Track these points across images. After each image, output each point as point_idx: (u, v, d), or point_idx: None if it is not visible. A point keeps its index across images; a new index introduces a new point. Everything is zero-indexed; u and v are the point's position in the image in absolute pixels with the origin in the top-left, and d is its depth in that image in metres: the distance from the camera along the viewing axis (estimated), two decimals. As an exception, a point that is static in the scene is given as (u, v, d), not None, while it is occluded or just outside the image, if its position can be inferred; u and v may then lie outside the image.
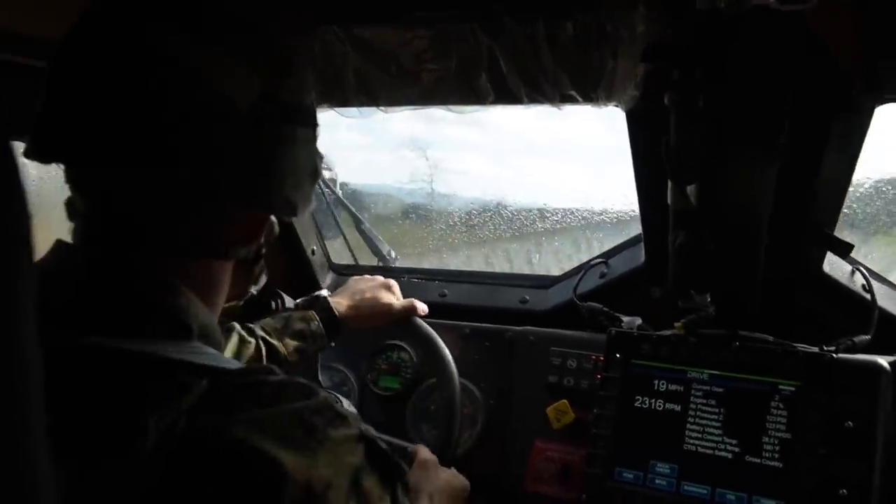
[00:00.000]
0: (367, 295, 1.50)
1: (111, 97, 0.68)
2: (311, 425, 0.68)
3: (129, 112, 0.68)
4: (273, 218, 0.87)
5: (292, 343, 1.35)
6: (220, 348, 0.78)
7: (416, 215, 2.41)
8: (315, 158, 0.84)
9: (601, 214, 1.99)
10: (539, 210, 2.14)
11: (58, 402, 0.61)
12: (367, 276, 1.58)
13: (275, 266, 1.86)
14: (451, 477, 1.30)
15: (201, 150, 0.70)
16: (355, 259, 2.10)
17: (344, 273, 2.03)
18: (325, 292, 1.47)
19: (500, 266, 2.28)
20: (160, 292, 0.73)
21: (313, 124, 0.82)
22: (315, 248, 1.94)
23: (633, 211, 1.73)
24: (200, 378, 0.67)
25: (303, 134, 0.79)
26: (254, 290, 0.94)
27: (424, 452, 1.29)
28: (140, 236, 0.74)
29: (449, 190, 2.25)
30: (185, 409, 0.64)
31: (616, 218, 1.94)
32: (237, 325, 1.32)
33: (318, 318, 1.40)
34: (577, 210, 2.08)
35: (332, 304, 1.44)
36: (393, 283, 1.56)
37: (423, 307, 1.54)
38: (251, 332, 1.32)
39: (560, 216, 2.09)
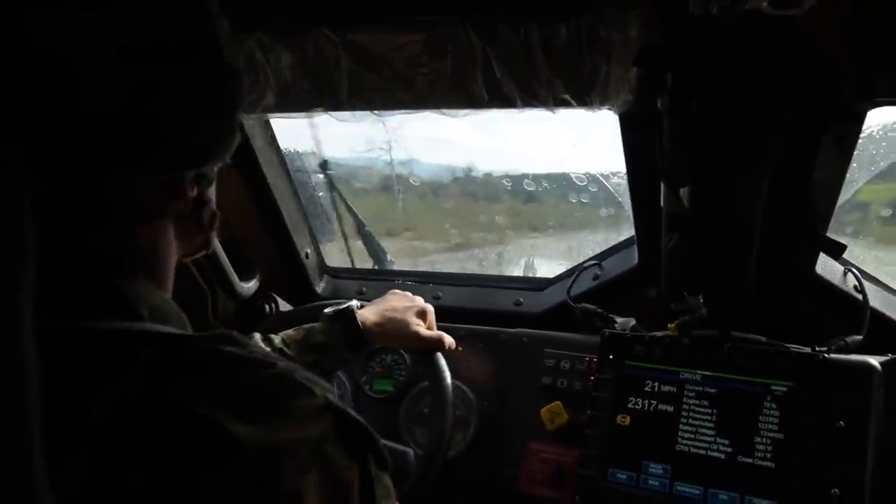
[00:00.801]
0: (398, 315, 1.41)
1: None
2: (269, 395, 0.65)
3: None
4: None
5: (310, 357, 1.30)
6: (184, 326, 0.75)
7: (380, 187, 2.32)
8: (225, 98, 0.75)
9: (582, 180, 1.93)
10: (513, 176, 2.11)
11: None
12: (407, 295, 1.49)
13: (268, 269, 1.87)
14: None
15: (75, 122, 0.65)
16: (352, 262, 2.10)
17: (339, 276, 2.03)
18: (355, 303, 1.40)
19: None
20: (100, 275, 0.70)
21: (212, 55, 0.73)
22: (309, 250, 1.93)
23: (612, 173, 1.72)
24: (148, 345, 0.64)
25: (198, 68, 0.71)
26: (215, 237, 0.87)
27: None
28: (56, 219, 0.68)
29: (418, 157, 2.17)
30: (136, 377, 0.62)
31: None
32: (258, 336, 1.30)
33: (341, 333, 1.34)
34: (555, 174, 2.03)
35: (359, 317, 1.37)
36: (429, 309, 1.47)
37: (450, 341, 1.46)
38: (269, 343, 1.30)
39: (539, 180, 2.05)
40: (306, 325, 1.36)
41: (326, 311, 1.39)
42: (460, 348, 1.49)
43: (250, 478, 0.62)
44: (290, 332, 1.34)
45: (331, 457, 0.67)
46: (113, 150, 0.67)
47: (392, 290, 1.50)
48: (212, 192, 0.84)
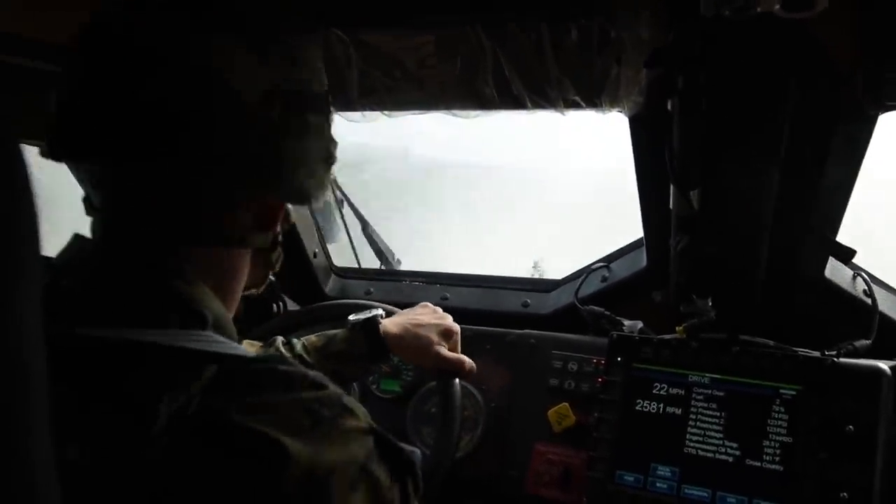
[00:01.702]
0: (421, 332, 1.34)
1: (123, 96, 0.71)
2: (319, 415, 0.69)
3: (139, 109, 0.70)
4: (289, 207, 0.88)
5: (331, 365, 1.27)
6: (235, 340, 0.79)
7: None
8: (328, 145, 0.85)
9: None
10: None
11: (74, 391, 0.63)
12: (437, 311, 1.42)
13: (277, 269, 1.87)
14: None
15: (211, 143, 0.73)
16: (358, 262, 2.10)
17: (347, 276, 2.03)
18: (380, 311, 1.36)
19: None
20: (175, 282, 0.74)
21: (325, 112, 0.84)
22: (317, 250, 1.94)
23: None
24: (212, 363, 0.68)
25: (315, 121, 0.81)
26: (272, 276, 0.95)
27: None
28: (155, 228, 0.76)
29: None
30: (195, 392, 0.65)
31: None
32: (280, 339, 1.30)
33: (363, 342, 1.31)
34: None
35: (381, 327, 1.32)
36: (455, 329, 1.39)
37: (471, 366, 1.37)
38: (291, 349, 1.29)
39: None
40: (329, 332, 1.34)
41: (351, 318, 1.34)
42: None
43: (301, 492, 0.65)
44: (311, 337, 1.32)
45: (376, 476, 0.72)
46: (238, 171, 0.75)
47: (423, 304, 1.44)
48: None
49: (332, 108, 0.86)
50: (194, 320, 0.73)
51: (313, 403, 0.69)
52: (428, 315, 1.39)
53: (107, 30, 0.72)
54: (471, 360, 1.37)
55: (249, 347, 1.31)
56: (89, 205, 0.80)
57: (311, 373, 0.73)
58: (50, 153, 0.75)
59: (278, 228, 0.87)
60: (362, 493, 0.70)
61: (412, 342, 1.33)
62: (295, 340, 1.32)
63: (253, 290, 0.93)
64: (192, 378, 0.66)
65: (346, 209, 2.02)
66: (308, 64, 0.81)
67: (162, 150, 0.72)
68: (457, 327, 1.40)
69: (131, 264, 0.74)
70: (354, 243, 2.07)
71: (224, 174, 0.75)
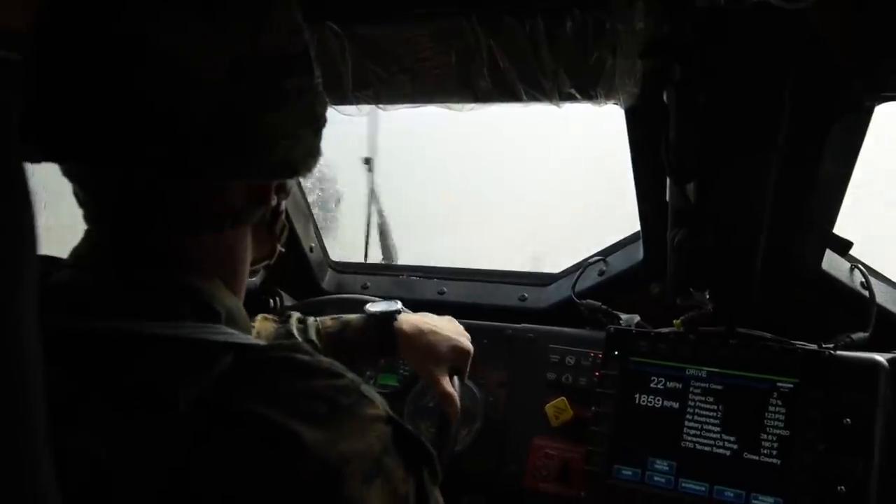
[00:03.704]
0: (433, 339, 1.28)
1: (85, 90, 0.66)
2: (336, 403, 0.68)
3: (103, 101, 0.66)
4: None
5: (342, 354, 1.20)
6: (249, 332, 0.78)
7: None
8: (314, 108, 0.79)
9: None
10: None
11: (90, 383, 0.63)
12: (460, 328, 1.36)
13: (273, 264, 1.87)
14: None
15: (180, 127, 0.68)
16: (367, 254, 2.11)
17: (343, 271, 2.03)
18: (398, 307, 1.31)
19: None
20: (188, 277, 0.73)
21: (305, 72, 0.77)
22: (313, 245, 1.93)
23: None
24: (227, 353, 0.67)
25: (293, 87, 0.74)
26: (280, 248, 0.93)
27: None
28: (144, 219, 0.74)
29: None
30: (212, 381, 0.65)
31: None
32: (295, 317, 1.27)
33: (376, 336, 1.27)
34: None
35: (396, 323, 1.28)
36: (469, 350, 1.32)
37: (457, 412, 1.27)
38: (305, 330, 1.26)
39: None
40: (345, 317, 1.31)
41: (369, 307, 1.31)
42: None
43: (315, 481, 0.64)
44: (327, 321, 1.29)
45: (391, 468, 0.70)
46: (212, 154, 0.71)
47: (450, 318, 1.37)
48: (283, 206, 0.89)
49: (315, 67, 0.78)
50: (208, 315, 0.72)
51: (330, 391, 0.68)
52: (446, 325, 1.33)
53: (60, 20, 0.66)
54: (458, 402, 1.28)
55: (264, 322, 1.30)
56: (77, 198, 0.78)
57: (328, 361, 0.72)
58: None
59: (275, 201, 0.83)
60: (377, 487, 0.68)
61: (421, 348, 1.28)
62: (311, 321, 1.29)
63: (266, 262, 0.92)
64: (208, 367, 0.66)
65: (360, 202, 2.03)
66: (279, 26, 0.74)
67: (126, 144, 0.68)
68: (471, 349, 1.33)
69: (138, 255, 0.74)
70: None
71: (200, 157, 0.70)
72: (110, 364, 0.65)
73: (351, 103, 1.36)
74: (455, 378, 1.29)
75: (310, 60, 0.78)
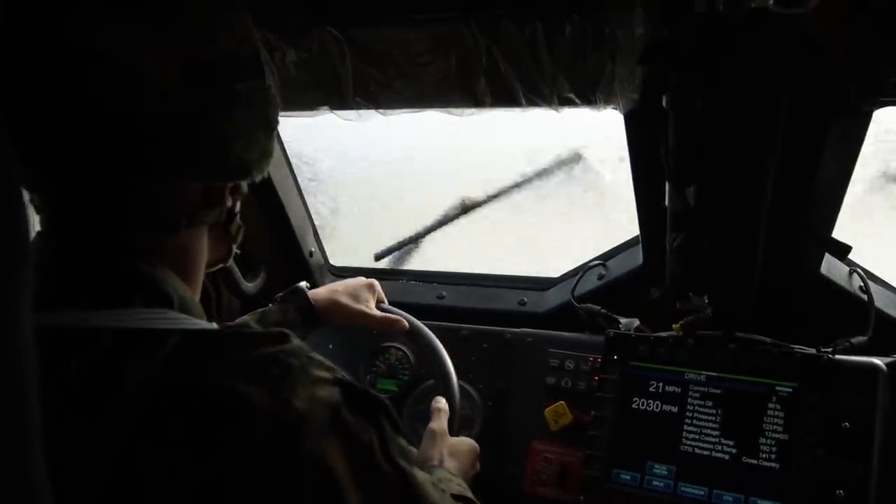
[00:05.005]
0: (343, 298, 1.44)
1: (39, 95, 0.68)
2: (287, 364, 0.70)
3: (56, 106, 0.68)
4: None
5: None
6: (202, 319, 0.79)
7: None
8: (266, 111, 0.81)
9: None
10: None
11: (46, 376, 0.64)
12: (360, 278, 1.53)
13: (273, 268, 1.87)
14: (457, 441, 1.31)
15: (133, 130, 0.70)
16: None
17: (343, 275, 2.03)
18: (303, 284, 1.45)
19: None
20: (137, 263, 0.75)
21: (257, 77, 0.79)
22: (313, 249, 1.93)
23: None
24: (175, 334, 0.69)
25: (244, 90, 0.77)
26: (235, 249, 0.95)
27: (433, 424, 1.27)
28: (99, 219, 0.75)
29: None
30: (160, 359, 0.66)
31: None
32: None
33: (295, 311, 1.39)
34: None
35: (310, 296, 1.42)
36: (374, 283, 1.51)
37: (402, 325, 1.46)
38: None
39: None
40: (260, 309, 1.40)
41: (280, 294, 1.44)
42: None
43: (270, 441, 0.66)
44: (245, 316, 1.38)
45: (347, 421, 0.72)
46: (166, 156, 0.73)
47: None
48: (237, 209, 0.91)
49: (267, 70, 0.81)
50: (159, 299, 0.73)
51: (279, 355, 0.70)
52: (352, 280, 1.50)
53: (10, 28, 0.68)
54: (401, 319, 1.45)
55: None
56: (34, 204, 0.78)
57: (278, 329, 0.74)
58: None
59: (229, 202, 0.85)
60: (335, 438, 0.70)
61: (342, 308, 1.43)
62: (241, 320, 1.35)
63: (220, 265, 0.93)
64: (155, 350, 0.67)
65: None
66: (229, 32, 0.76)
67: (84, 145, 0.70)
68: (374, 281, 1.51)
69: (90, 251, 0.74)
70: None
71: (156, 160, 0.72)
72: (51, 357, 0.64)
73: (350, 108, 1.36)
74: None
75: (261, 64, 0.80)
